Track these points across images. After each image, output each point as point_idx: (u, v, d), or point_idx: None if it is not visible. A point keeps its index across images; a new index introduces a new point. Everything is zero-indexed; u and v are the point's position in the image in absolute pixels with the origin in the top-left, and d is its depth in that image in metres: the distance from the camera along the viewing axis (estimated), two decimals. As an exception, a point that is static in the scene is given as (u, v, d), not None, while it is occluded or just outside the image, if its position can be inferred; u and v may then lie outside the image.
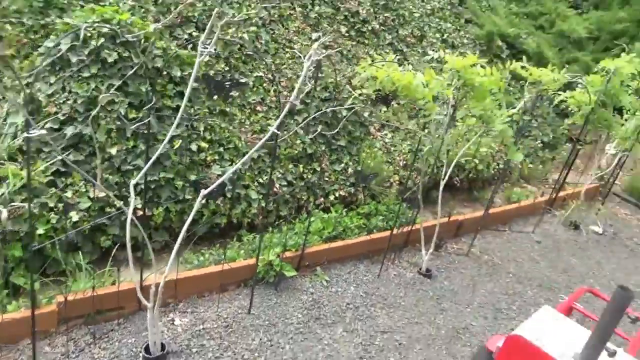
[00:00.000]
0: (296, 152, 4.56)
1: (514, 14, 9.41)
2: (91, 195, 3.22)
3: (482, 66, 3.54)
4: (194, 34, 4.62)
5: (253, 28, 5.11)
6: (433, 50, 7.38)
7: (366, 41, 6.61)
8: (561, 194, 6.22)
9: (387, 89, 3.15)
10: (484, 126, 3.95)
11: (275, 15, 5.62)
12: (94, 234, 3.26)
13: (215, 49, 4.34)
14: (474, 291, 4.18)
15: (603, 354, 2.06)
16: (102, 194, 3.19)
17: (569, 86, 5.47)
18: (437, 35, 7.76)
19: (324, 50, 5.52)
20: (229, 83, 2.53)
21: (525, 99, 4.15)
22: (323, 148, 4.76)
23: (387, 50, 6.77)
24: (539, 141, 7.25)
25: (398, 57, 6.86)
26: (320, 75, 4.86)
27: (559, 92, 4.99)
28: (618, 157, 6.41)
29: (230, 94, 2.58)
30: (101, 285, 2.99)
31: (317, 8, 6.19)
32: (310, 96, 4.88)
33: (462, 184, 5.74)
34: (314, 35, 5.85)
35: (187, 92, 2.45)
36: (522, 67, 4.10)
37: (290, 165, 4.48)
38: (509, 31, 8.60)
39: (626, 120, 5.85)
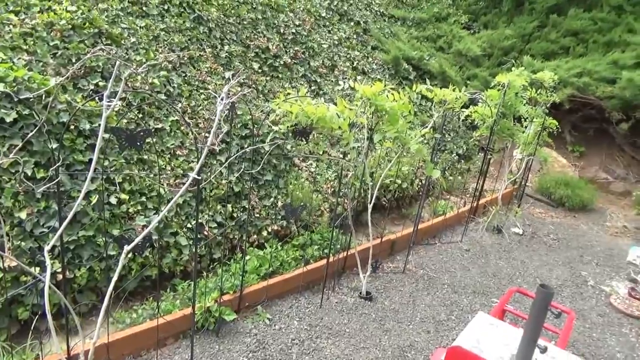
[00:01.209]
0: (222, 191, 4.48)
1: (415, 38, 10.04)
2: (0, 266, 2.95)
3: (390, 92, 3.72)
4: (100, 83, 4.47)
5: (163, 72, 5.03)
6: (345, 78, 7.67)
7: (280, 75, 6.73)
8: (481, 201, 6.60)
9: (303, 122, 3.21)
10: (401, 147, 4.13)
11: (185, 58, 5.58)
12: (9, 307, 2.98)
13: (123, 100, 4.23)
14: (414, 307, 4.27)
15: (536, 351, 2.18)
16: (14, 264, 2.93)
17: (472, 101, 5.90)
18: (347, 63, 8.08)
19: (238, 89, 5.56)
20: (141, 134, 2.46)
21: (434, 118, 4.41)
22: (250, 185, 4.73)
23: (302, 82, 6.95)
24: (455, 154, 7.69)
25: (313, 87, 7.05)
26: (237, 114, 4.87)
27: (463, 109, 5.34)
28: (525, 161, 6.94)
29: (144, 143, 2.50)
30: (22, 364, 2.72)
31: (227, 47, 6.23)
32: (230, 135, 4.86)
33: (390, 203, 5.92)
34: (227, 74, 5.87)
35: (97, 145, 2.35)
36: (427, 89, 4.36)
37: (219, 206, 4.40)
38: (413, 54, 9.15)
39: (526, 127, 6.38)
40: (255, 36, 6.83)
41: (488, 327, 2.54)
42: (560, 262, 5.73)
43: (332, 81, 7.43)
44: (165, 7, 5.98)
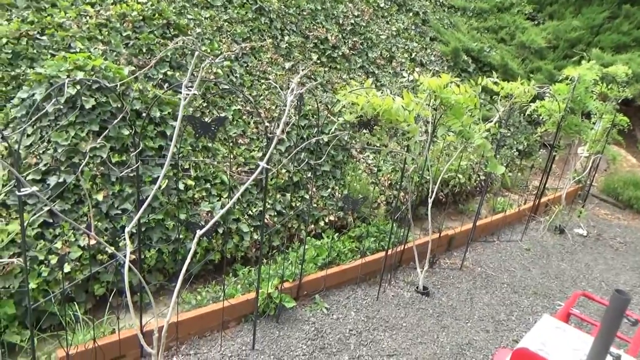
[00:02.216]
0: (282, 181, 4.55)
1: (475, 29, 9.75)
2: (81, 244, 3.13)
3: (456, 84, 3.64)
4: (169, 73, 4.62)
5: (226, 63, 5.15)
6: (403, 69, 7.56)
7: (338, 66, 6.73)
8: (543, 200, 6.36)
9: (368, 114, 3.20)
10: (464, 142, 4.04)
11: (247, 49, 5.68)
12: (87, 282, 3.17)
13: (198, 91, 4.36)
14: (472, 305, 4.20)
15: (608, 358, 2.09)
16: (93, 242, 3.11)
17: (537, 96, 5.67)
18: (405, 55, 7.96)
19: (305, 82, 5.60)
20: (214, 122, 2.53)
21: (500, 112, 4.27)
22: (309, 175, 4.77)
23: (359, 74, 6.92)
24: (515, 150, 7.44)
25: (370, 78, 7.00)
26: (304, 105, 4.91)
27: (529, 104, 5.15)
28: (591, 159, 6.62)
29: (217, 131, 2.58)
30: (101, 335, 2.89)
31: (287, 38, 6.28)
32: (291, 125, 4.91)
33: (447, 198, 5.82)
34: (287, 65, 5.93)
35: (175, 133, 2.43)
36: (494, 83, 4.23)
37: (278, 195, 4.47)
38: (472, 46, 8.89)
39: (594, 124, 6.07)
40: (314, 27, 6.85)
41: (554, 330, 2.46)
42: (628, 267, 5.45)
43: (389, 73, 7.35)
44: (229, -2, 6.09)
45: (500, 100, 4.38)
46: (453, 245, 5.11)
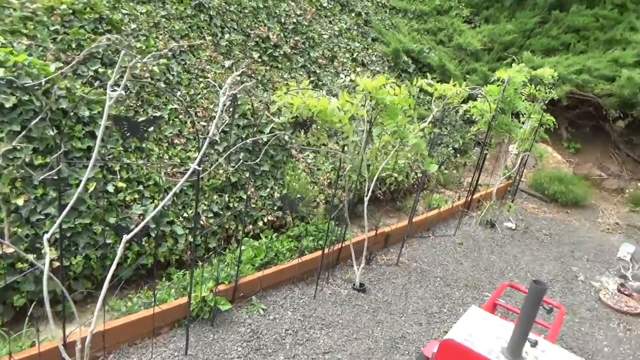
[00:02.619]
0: (219, 182, 4.51)
1: (416, 31, 10.01)
2: (-1, 252, 2.97)
3: (391, 86, 3.74)
4: (100, 70, 4.45)
5: (163, 60, 5.02)
6: (344, 69, 7.65)
7: (279, 65, 6.72)
8: (475, 195, 6.65)
9: (303, 115, 3.23)
10: (399, 141, 4.15)
11: (185, 46, 5.56)
12: (5, 293, 3.01)
13: (126, 89, 4.22)
14: (407, 299, 4.33)
15: (526, 344, 2.24)
16: (10, 250, 2.96)
17: (471, 96, 5.92)
18: (347, 55, 8.06)
19: (239, 80, 5.55)
20: (144, 123, 2.47)
21: (433, 112, 4.43)
22: (247, 175, 4.75)
23: (301, 73, 6.94)
24: (451, 148, 7.72)
25: (312, 78, 7.04)
26: (237, 104, 4.87)
27: (462, 105, 5.36)
28: (521, 156, 6.98)
29: (146, 132, 2.51)
30: (19, 349, 2.76)
31: (227, 36, 6.21)
32: (228, 125, 4.86)
33: (385, 195, 5.96)
34: (227, 63, 5.86)
35: (100, 134, 2.36)
36: (428, 84, 4.38)
37: (215, 196, 4.42)
38: (413, 47, 9.12)
39: (523, 123, 6.41)
40: (256, 25, 6.80)
41: (480, 321, 2.59)
42: (552, 257, 5.80)
43: (331, 72, 7.42)
44: (166, -7, 5.93)
45: (435, 101, 4.53)
46: (390, 241, 5.25)
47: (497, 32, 9.87)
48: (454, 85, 4.42)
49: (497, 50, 9.77)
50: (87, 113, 3.71)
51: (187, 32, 5.75)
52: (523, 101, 6.07)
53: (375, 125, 3.99)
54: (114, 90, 2.36)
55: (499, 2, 10.71)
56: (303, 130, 3.31)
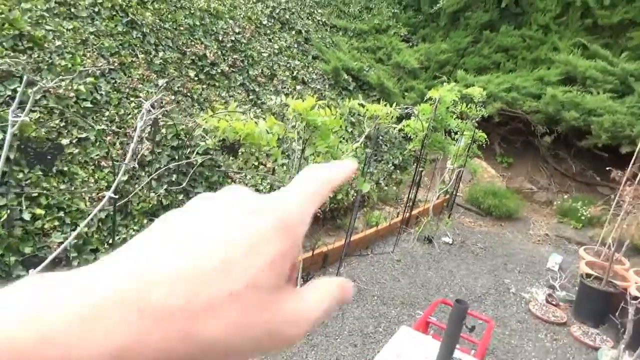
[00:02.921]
0: (150, 205, 4.36)
1: (356, 49, 10.22)
2: None
3: (321, 107, 3.76)
4: (19, 89, 4.22)
5: (90, 79, 4.83)
6: (284, 87, 7.67)
7: (217, 83, 6.64)
8: (414, 212, 6.80)
9: (230, 138, 3.19)
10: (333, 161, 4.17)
11: (116, 64, 5.39)
12: None
13: (45, 107, 4.02)
14: (343, 320, 4.33)
15: (453, 362, 2.28)
16: None
17: (408, 115, 6.08)
18: (287, 72, 8.09)
19: (171, 98, 5.42)
20: (51, 150, 2.35)
21: (365, 133, 4.51)
22: (180, 197, 4.62)
23: (240, 91, 6.89)
24: (391, 164, 7.88)
25: (251, 96, 7.01)
26: (159, 128, 4.75)
27: (393, 125, 5.50)
28: (456, 172, 7.23)
29: (55, 160, 2.39)
30: None
31: (161, 54, 6.07)
32: (160, 145, 4.74)
33: (325, 214, 5.98)
34: (161, 82, 5.73)
35: (1, 161, 2.22)
36: (360, 104, 4.45)
37: (146, 220, 4.27)
38: (353, 65, 9.30)
39: (456, 140, 6.65)
40: (192, 43, 6.70)
41: (410, 340, 2.62)
42: (486, 271, 6.01)
43: (270, 90, 7.41)
44: (96, 10, 5.75)
45: (367, 121, 4.62)
46: (328, 261, 5.25)
47: (433, 51, 10.25)
48: (385, 105, 4.52)
49: (433, 68, 10.14)
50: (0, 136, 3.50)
51: (117, 49, 5.57)
52: (455, 119, 6.29)
53: (308, 146, 4.00)
54: (17, 116, 2.23)
55: (435, 22, 11.15)
56: (232, 154, 3.26)
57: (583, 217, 7.73)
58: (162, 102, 5.33)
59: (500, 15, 10.37)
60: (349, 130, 7.45)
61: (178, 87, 5.89)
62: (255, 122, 3.27)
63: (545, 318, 5.06)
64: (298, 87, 7.95)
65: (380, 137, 7.74)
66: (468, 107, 6.70)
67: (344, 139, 4.19)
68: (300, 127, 3.81)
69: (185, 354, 0.25)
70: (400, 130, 5.92)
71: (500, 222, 7.94)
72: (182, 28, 6.67)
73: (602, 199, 7.90)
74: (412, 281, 5.33)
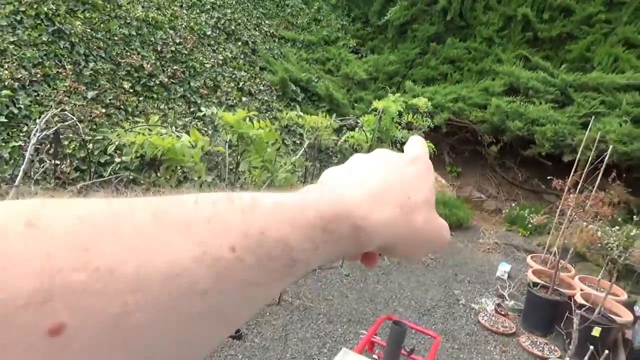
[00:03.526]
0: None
1: (305, 60, 10.11)
2: None
3: (250, 119, 3.56)
4: None
5: (6, 92, 4.45)
6: (229, 99, 7.43)
7: (155, 95, 6.33)
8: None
9: (149, 154, 2.93)
10: (270, 176, 3.98)
11: (39, 75, 5.01)
12: None
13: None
14: (286, 342, 4.10)
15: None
16: None
17: (353, 126, 5.97)
18: (232, 84, 7.86)
19: (101, 111, 5.08)
20: None
21: (305, 145, 4.33)
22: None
23: (180, 103, 6.60)
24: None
25: (192, 108, 6.73)
26: (59, 144, 4.43)
27: (333, 138, 5.37)
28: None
29: None
30: None
31: (92, 65, 5.72)
32: (87, 162, 4.40)
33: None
34: (90, 94, 5.38)
35: None
36: (298, 116, 4.28)
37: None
38: (301, 76, 9.17)
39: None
40: (128, 53, 6.38)
41: (350, 364, 2.43)
42: (436, 282, 5.92)
43: (213, 102, 7.16)
44: (18, 18, 5.36)
45: (306, 133, 4.45)
46: (273, 279, 5.01)
47: (381, 62, 10.28)
48: (325, 117, 4.37)
49: (382, 79, 10.15)
50: None
51: (41, 60, 5.20)
52: (400, 130, 6.23)
53: (242, 161, 3.78)
54: None
55: (383, 34, 11.22)
56: (152, 170, 3.00)
57: (530, 225, 7.83)
58: (91, 115, 4.99)
59: (446, 27, 10.53)
60: (293, 142, 7.28)
61: (110, 100, 5.55)
62: (178, 137, 3.03)
63: (494, 329, 4.99)
64: (244, 99, 7.73)
65: (330, 149, 7.61)
66: (414, 117, 6.67)
67: (282, 152, 4.00)
68: (233, 140, 3.59)
69: (403, 232, 0.40)
70: (345, 141, 5.79)
71: (451, 232, 7.88)
72: (116, 38, 6.34)
73: (548, 206, 8.05)
74: (360, 296, 5.16)
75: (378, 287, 5.46)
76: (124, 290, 0.23)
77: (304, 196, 0.34)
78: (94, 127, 4.99)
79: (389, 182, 0.40)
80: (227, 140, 3.55)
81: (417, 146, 0.48)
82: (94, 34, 6.07)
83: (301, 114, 4.30)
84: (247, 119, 3.57)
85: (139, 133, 2.94)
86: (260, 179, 3.98)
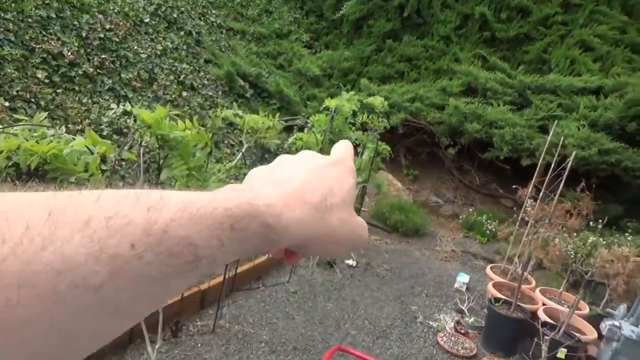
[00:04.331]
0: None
1: (255, 54, 9.45)
2: None
3: (172, 118, 2.92)
4: None
5: None
6: (167, 93, 6.69)
7: (77, 87, 5.52)
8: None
9: (24, 161, 2.25)
10: (200, 185, 3.34)
11: None
12: None
13: None
14: (218, 381, 3.48)
15: None
16: None
17: (302, 127, 5.40)
18: (172, 77, 7.10)
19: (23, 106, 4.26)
20: None
21: (243, 149, 3.71)
22: None
23: (107, 97, 5.81)
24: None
25: (122, 103, 5.94)
26: None
27: (275, 141, 4.77)
28: (360, 186, 6.66)
29: None
30: None
31: (-4, 50, 4.87)
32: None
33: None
34: (-10, 84, 4.54)
35: None
36: (235, 115, 3.65)
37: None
38: (250, 70, 8.51)
39: (358, 154, 6.07)
40: (46, 38, 5.53)
41: None
42: (392, 297, 5.45)
43: (149, 96, 6.40)
44: None
45: (245, 135, 3.83)
46: (208, 300, 4.37)
47: (336, 58, 9.77)
48: (266, 117, 3.76)
49: (336, 76, 9.64)
50: None
51: None
52: (354, 131, 5.71)
53: (165, 168, 3.12)
54: None
55: (338, 29, 10.70)
56: (34, 182, 2.31)
57: (488, 232, 7.53)
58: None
59: (403, 24, 10.13)
60: (239, 141, 6.62)
61: (17, 91, 4.73)
62: (68, 140, 2.35)
63: (454, 352, 4.55)
64: (185, 94, 6.99)
65: (279, 151, 6.99)
66: (369, 117, 6.17)
67: (224, 154, 3.36)
68: (148, 142, 2.93)
69: (317, 231, 0.42)
70: (292, 144, 5.19)
71: (407, 239, 7.51)
72: (30, 20, 5.48)
73: (505, 212, 7.78)
74: (308, 317, 4.60)
75: (329, 306, 4.92)
76: (7, 285, 0.24)
77: (215, 195, 0.35)
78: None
79: (307, 182, 0.43)
80: (143, 143, 2.89)
81: (342, 149, 0.53)
82: (3, 14, 5.20)
83: (239, 112, 3.68)
84: (168, 118, 2.93)
85: (13, 135, 2.25)
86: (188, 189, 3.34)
